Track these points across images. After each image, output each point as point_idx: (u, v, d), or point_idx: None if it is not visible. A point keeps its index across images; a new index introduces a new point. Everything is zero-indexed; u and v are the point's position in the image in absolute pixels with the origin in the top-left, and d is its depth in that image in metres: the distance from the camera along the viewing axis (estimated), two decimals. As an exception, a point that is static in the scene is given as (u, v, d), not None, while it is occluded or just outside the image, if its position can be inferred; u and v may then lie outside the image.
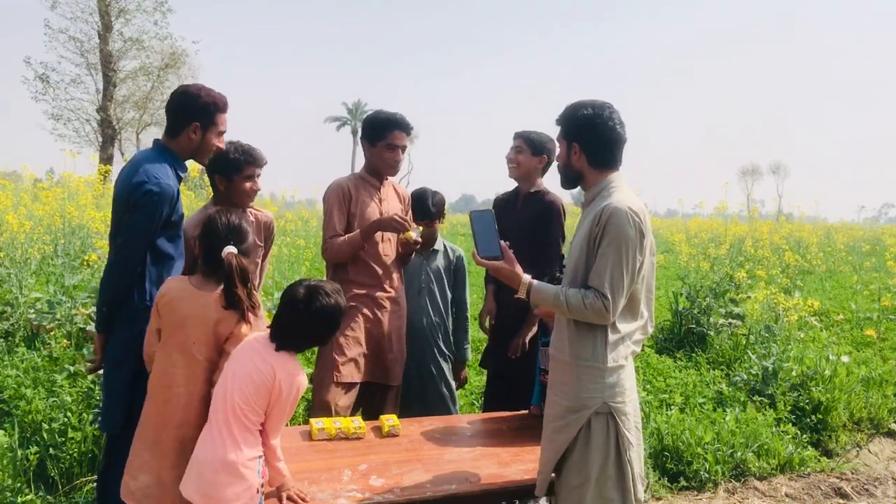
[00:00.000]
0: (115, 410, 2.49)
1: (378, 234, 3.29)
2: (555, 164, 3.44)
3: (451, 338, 3.78)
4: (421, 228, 3.35)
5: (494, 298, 3.66)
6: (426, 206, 3.65)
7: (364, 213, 3.30)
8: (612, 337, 2.20)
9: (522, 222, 3.49)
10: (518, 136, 3.58)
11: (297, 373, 2.15)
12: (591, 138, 2.29)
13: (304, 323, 2.17)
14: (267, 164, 3.08)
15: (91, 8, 20.29)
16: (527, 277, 2.30)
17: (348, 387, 3.24)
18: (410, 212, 3.60)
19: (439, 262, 3.76)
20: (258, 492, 2.09)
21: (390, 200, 3.44)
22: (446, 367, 3.71)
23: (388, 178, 3.48)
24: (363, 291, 3.29)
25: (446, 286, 3.77)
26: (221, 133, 2.66)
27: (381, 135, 3.32)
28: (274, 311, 2.28)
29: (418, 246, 3.29)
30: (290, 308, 2.17)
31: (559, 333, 2.33)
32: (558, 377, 2.30)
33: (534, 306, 2.36)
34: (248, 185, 2.97)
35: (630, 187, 2.31)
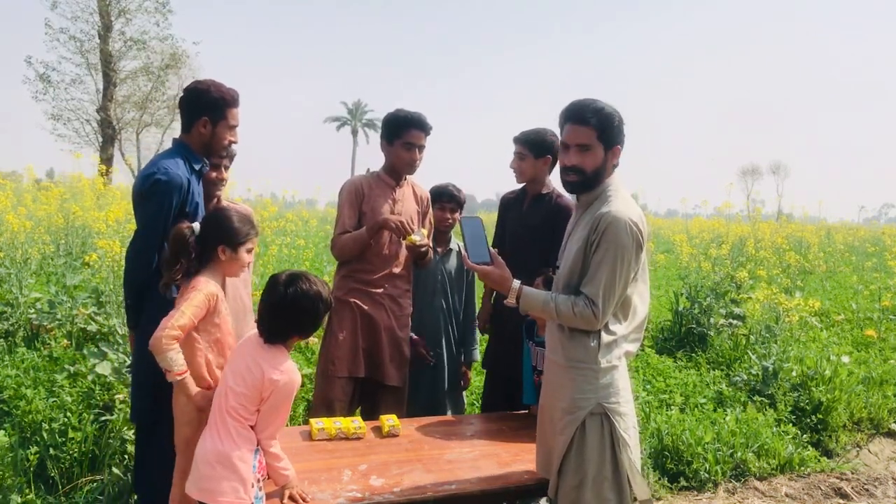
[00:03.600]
0: (141, 402, 2.54)
1: (387, 234, 3.29)
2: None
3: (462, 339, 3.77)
4: (424, 231, 3.30)
5: (493, 302, 3.65)
6: (447, 191, 3.67)
7: (376, 213, 3.29)
8: (605, 338, 2.20)
9: (530, 224, 3.41)
10: (517, 141, 3.45)
11: (285, 369, 2.12)
12: (623, 139, 2.28)
13: (285, 310, 2.14)
14: (236, 157, 3.11)
15: (91, 8, 20.29)
16: (516, 283, 2.29)
17: (344, 381, 3.26)
18: (430, 212, 3.58)
19: (453, 262, 3.73)
20: (253, 486, 2.09)
21: (406, 201, 3.41)
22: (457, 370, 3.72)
23: (407, 178, 3.45)
24: (361, 287, 3.29)
25: (462, 287, 3.76)
26: (233, 127, 2.70)
27: (399, 133, 3.31)
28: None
29: (424, 248, 3.25)
30: (272, 295, 2.16)
31: (552, 335, 2.33)
32: (553, 379, 2.31)
33: (523, 312, 2.34)
34: (213, 174, 2.98)
35: (626, 190, 2.29)
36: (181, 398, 2.27)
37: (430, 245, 3.41)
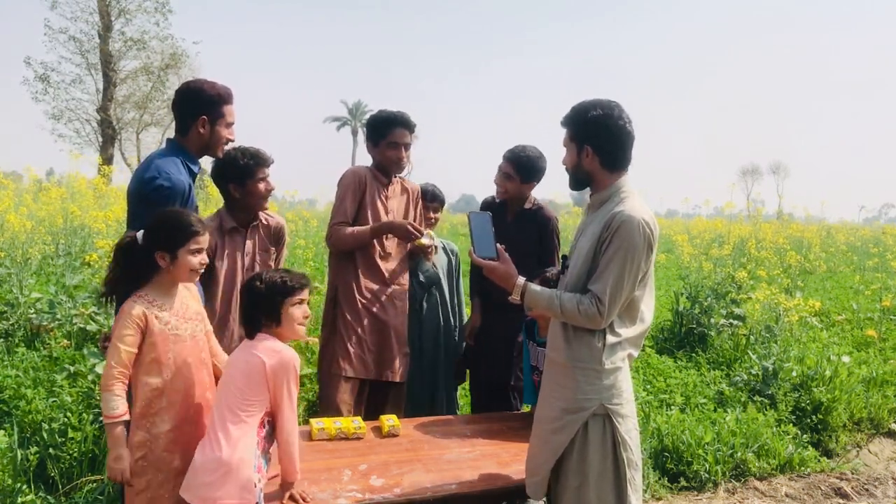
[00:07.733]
0: None
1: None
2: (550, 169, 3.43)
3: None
4: (431, 232, 3.32)
5: (481, 309, 3.65)
6: (431, 191, 3.74)
7: (373, 207, 3.29)
8: (610, 340, 2.20)
9: (513, 236, 3.37)
10: (507, 160, 3.45)
11: (280, 348, 2.19)
12: (604, 140, 2.24)
13: (260, 297, 2.22)
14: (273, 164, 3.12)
15: (91, 8, 20.33)
16: (521, 279, 2.29)
17: (351, 382, 3.24)
18: (420, 204, 3.58)
19: (442, 257, 3.77)
20: (255, 485, 2.09)
21: (396, 198, 3.42)
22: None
23: (396, 175, 3.45)
24: (371, 287, 3.28)
25: (453, 281, 3.81)
26: (230, 124, 2.69)
27: (383, 133, 3.30)
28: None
29: (432, 249, 3.28)
30: (249, 292, 2.25)
31: (555, 334, 2.32)
32: (554, 379, 2.30)
33: (527, 309, 2.35)
34: (262, 186, 3.03)
35: (638, 193, 2.29)
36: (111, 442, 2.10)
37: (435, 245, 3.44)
